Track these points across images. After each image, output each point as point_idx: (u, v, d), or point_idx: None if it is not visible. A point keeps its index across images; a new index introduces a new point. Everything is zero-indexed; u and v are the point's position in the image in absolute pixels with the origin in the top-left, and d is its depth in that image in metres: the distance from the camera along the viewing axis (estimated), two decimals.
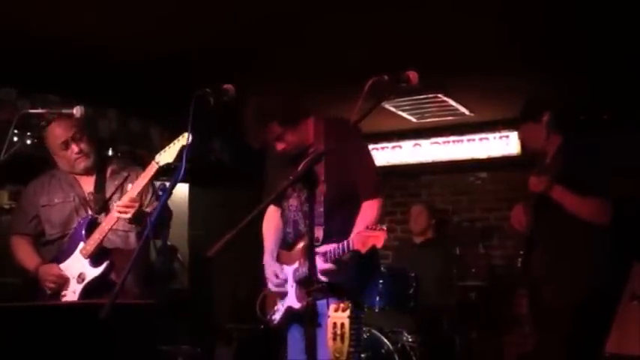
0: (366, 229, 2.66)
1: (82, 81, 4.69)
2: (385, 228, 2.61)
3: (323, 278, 2.71)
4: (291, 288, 2.98)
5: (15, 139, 3.22)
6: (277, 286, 3.02)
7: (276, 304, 3.08)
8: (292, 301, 2.97)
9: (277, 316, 3.06)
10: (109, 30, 3.94)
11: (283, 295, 3.02)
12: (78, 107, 3.12)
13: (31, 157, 3.62)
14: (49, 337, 2.42)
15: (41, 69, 4.49)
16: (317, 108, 3.12)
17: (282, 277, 3.00)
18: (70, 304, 3.07)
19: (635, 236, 3.92)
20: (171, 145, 3.03)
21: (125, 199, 3.14)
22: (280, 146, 2.95)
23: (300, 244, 2.97)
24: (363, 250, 2.62)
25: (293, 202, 3.04)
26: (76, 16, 3.73)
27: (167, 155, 3.04)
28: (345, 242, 2.73)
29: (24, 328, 2.44)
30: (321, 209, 2.87)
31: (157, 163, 3.07)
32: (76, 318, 2.52)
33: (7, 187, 5.48)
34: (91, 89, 4.78)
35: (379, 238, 2.59)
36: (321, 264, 2.77)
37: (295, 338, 3.06)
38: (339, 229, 2.88)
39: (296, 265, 2.95)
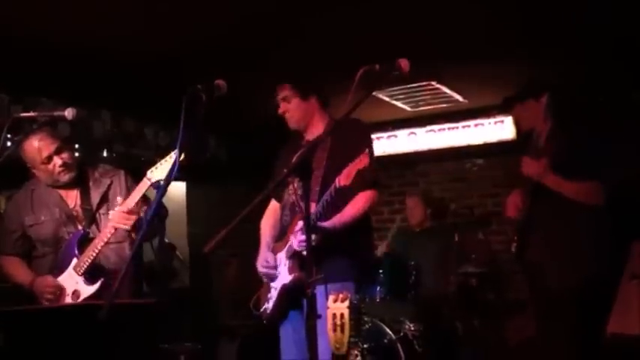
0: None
1: (75, 83, 4.67)
2: (367, 151, 2.57)
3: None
4: (284, 267, 3.03)
5: (8, 143, 3.19)
6: (265, 268, 3.10)
7: (269, 292, 3.13)
8: (284, 277, 3.02)
9: (270, 304, 3.09)
10: (101, 31, 3.92)
11: (273, 279, 3.09)
12: (70, 109, 3.09)
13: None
14: (52, 339, 2.44)
15: (33, 71, 4.47)
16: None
17: (272, 262, 3.09)
18: (72, 305, 3.07)
19: (635, 217, 3.92)
20: (163, 162, 3.03)
21: (120, 210, 3.10)
22: (282, 109, 3.16)
23: (293, 223, 3.03)
24: (349, 181, 2.58)
25: (292, 185, 3.13)
26: (68, 17, 3.71)
27: (159, 172, 3.04)
28: (332, 186, 2.72)
29: (27, 330, 2.45)
30: (317, 188, 2.93)
31: (149, 179, 3.07)
32: (78, 318, 2.53)
33: (2, 193, 5.46)
34: (84, 91, 4.76)
35: (362, 161, 2.54)
36: (299, 235, 2.85)
37: (287, 335, 3.13)
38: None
39: (289, 243, 3.00)
